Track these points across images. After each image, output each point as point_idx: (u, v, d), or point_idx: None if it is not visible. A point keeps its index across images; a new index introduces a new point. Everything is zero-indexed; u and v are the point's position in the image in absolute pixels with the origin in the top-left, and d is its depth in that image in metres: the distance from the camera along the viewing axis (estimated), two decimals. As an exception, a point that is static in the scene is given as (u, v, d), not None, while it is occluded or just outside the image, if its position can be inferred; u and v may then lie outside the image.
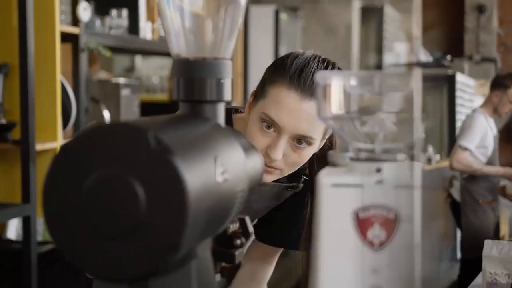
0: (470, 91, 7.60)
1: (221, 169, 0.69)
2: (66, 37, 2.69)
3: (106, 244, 0.62)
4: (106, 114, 3.00)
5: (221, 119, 0.79)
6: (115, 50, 3.26)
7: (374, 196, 0.68)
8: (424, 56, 6.23)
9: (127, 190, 0.61)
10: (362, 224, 0.68)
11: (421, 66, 6.06)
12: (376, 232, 0.67)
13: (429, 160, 5.93)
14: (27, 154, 2.35)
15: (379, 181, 0.68)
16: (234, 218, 0.81)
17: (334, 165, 0.77)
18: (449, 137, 7.40)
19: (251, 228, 0.87)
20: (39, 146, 2.45)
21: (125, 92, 3.15)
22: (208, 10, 0.80)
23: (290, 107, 1.23)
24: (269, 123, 1.24)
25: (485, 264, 1.88)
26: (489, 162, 4.32)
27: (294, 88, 1.23)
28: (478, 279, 2.18)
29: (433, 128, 7.16)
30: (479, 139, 4.23)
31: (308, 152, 1.28)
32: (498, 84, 4.33)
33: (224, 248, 0.85)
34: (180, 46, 0.79)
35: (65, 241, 0.63)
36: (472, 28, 9.43)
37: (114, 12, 3.08)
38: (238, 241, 0.86)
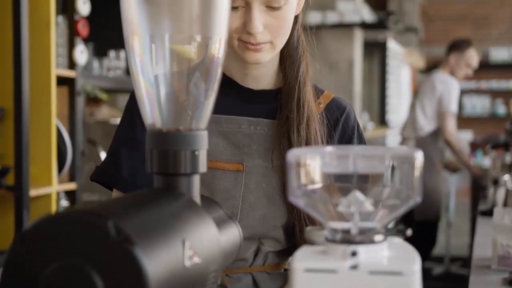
0: (399, 59, 7.64)
1: (190, 253, 0.66)
2: (63, 80, 2.68)
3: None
4: (103, 156, 2.97)
5: (195, 191, 0.76)
6: (112, 91, 3.26)
7: (349, 283, 0.64)
8: (368, 15, 6.14)
9: (86, 283, 0.58)
10: (336, 312, 0.64)
11: (364, 27, 5.99)
12: (351, 321, 0.64)
13: (364, 128, 5.92)
14: (21, 200, 2.33)
15: (354, 266, 0.65)
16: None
17: (311, 243, 0.74)
18: (379, 105, 7.38)
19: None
20: (33, 192, 2.42)
21: (123, 133, 3.13)
22: (183, 79, 0.77)
23: None
24: (233, 2, 1.15)
25: (496, 235, 1.69)
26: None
27: None
28: (487, 252, 1.91)
29: (365, 94, 7.14)
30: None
31: (288, 12, 1.19)
32: (455, 47, 4.41)
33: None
34: (154, 116, 0.77)
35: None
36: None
37: (112, 53, 3.07)
38: (216, 317, 0.83)
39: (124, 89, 3.37)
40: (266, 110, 1.28)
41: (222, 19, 0.76)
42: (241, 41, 1.18)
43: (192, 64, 0.77)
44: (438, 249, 5.92)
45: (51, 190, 2.54)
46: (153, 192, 0.74)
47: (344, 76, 5.84)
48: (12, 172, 2.38)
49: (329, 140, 1.28)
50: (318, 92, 1.33)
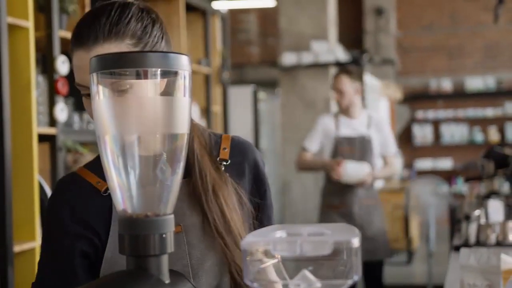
0: (376, 92, 7.73)
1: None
2: (44, 137, 2.76)
3: None
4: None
5: (164, 269, 0.85)
6: (94, 143, 3.33)
7: None
8: (342, 55, 6.25)
9: None
10: None
11: (339, 65, 6.06)
12: None
13: None
14: (5, 257, 2.39)
15: None
16: None
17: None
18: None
19: None
20: (17, 248, 2.49)
21: (104, 183, 3.20)
22: (149, 171, 0.87)
23: (82, 65, 1.21)
24: (83, 90, 1.22)
25: (463, 275, 1.75)
26: None
27: (78, 47, 1.22)
28: None
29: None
30: (319, 141, 4.22)
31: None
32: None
33: None
34: (125, 203, 0.86)
35: None
36: (371, 30, 9.65)
37: (92, 106, 3.15)
38: None
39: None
40: None
41: (184, 117, 0.86)
42: None
43: (158, 158, 0.86)
44: (420, 278, 5.99)
45: (35, 245, 2.61)
46: (124, 275, 0.83)
47: (321, 113, 5.94)
48: (-4, 230, 2.44)
49: (241, 189, 1.34)
50: (217, 138, 1.38)
